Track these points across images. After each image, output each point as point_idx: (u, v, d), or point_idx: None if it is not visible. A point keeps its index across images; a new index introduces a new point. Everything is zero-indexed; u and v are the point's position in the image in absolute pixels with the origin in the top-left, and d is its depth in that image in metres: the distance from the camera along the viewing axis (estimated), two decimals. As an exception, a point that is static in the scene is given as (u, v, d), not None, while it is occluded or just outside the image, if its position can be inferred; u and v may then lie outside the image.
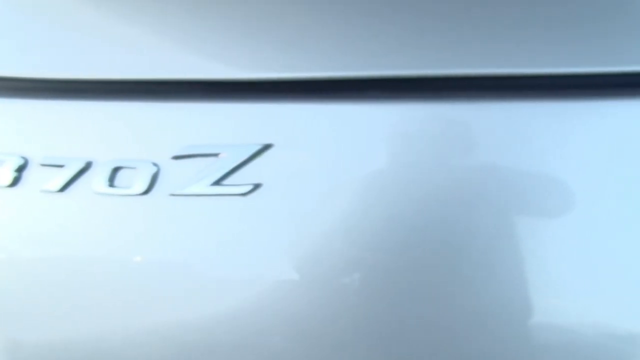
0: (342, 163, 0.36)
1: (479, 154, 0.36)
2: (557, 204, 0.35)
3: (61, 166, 0.39)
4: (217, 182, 0.37)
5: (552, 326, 0.34)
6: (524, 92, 0.36)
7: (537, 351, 0.35)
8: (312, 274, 0.36)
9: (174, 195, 0.37)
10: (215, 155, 0.37)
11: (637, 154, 0.35)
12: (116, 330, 0.38)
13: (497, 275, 0.35)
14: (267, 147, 0.37)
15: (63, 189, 0.39)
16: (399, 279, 0.35)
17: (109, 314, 0.38)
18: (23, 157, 0.39)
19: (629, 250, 0.34)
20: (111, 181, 0.38)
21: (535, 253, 0.34)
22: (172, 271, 0.37)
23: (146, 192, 0.38)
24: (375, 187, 0.36)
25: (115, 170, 0.38)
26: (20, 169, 0.39)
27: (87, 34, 0.41)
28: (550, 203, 0.35)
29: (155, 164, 0.38)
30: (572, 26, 0.35)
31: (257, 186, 0.36)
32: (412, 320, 0.35)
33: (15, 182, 0.39)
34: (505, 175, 0.35)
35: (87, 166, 0.39)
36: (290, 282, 0.36)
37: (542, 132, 0.35)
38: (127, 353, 0.38)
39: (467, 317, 0.35)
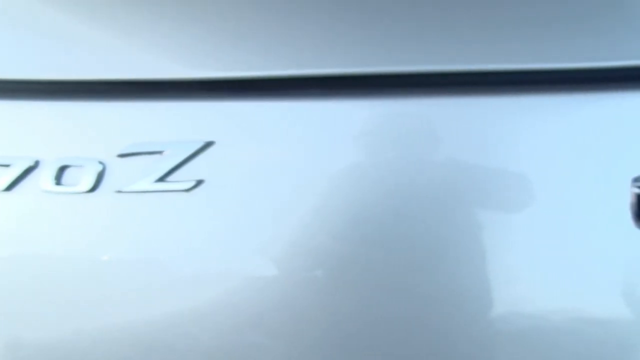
0: (284, 159, 0.39)
1: (440, 149, 0.38)
2: (521, 198, 0.37)
3: (7, 166, 0.40)
4: (161, 179, 0.39)
5: (514, 314, 0.37)
6: (489, 87, 0.38)
7: (501, 338, 0.38)
8: (255, 267, 0.38)
9: (120, 192, 0.39)
10: (160, 152, 0.39)
11: (599, 148, 0.37)
12: (62, 327, 0.40)
13: (462, 267, 0.37)
14: (209, 144, 0.39)
15: (9, 188, 0.40)
16: (342, 272, 0.38)
17: (58, 312, 0.40)
18: None
19: (592, 242, 0.37)
20: (58, 179, 0.40)
21: (499, 245, 0.37)
22: (120, 267, 0.39)
23: (92, 189, 0.39)
24: (318, 182, 0.38)
25: (62, 168, 0.40)
26: None
27: (29, 35, 0.42)
28: (515, 197, 0.37)
29: (101, 162, 0.39)
30: (530, 25, 0.38)
31: (199, 182, 0.38)
32: (376, 314, 0.38)
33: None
34: (470, 171, 0.38)
35: (35, 165, 0.40)
36: (234, 276, 0.38)
37: (504, 127, 0.38)
38: (76, 352, 0.40)
39: (434, 307, 0.37)
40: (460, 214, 0.37)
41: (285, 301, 0.38)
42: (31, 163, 0.40)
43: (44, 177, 0.40)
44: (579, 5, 0.39)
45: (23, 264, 0.40)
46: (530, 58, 0.38)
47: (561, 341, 0.37)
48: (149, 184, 0.39)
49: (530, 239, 0.37)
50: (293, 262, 0.38)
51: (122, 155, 0.39)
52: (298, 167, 0.39)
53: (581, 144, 0.37)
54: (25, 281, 0.40)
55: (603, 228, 0.37)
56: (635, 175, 0.35)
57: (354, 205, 0.38)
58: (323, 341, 0.38)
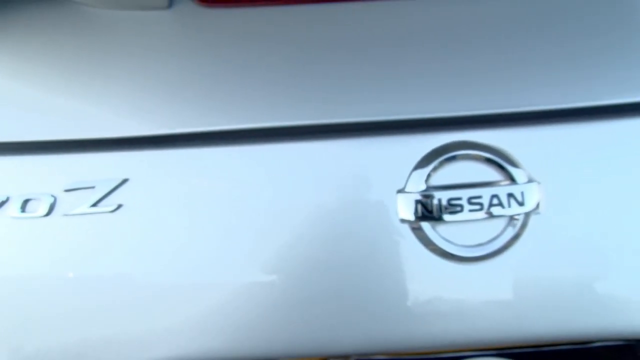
0: (177, 192, 0.59)
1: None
2: None
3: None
4: (94, 204, 0.58)
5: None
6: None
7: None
8: (167, 274, 0.58)
9: (66, 215, 0.58)
10: (93, 187, 0.59)
11: None
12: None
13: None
14: (125, 180, 0.59)
15: (-10, 215, 0.59)
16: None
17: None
18: None
19: None
20: (23, 208, 0.59)
21: None
22: (66, 274, 0.58)
23: (47, 214, 0.59)
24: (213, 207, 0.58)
25: (26, 201, 0.59)
26: None
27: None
28: None
29: (53, 195, 0.59)
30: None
31: (120, 206, 0.58)
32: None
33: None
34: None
35: (7, 199, 0.59)
36: (148, 280, 0.58)
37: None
38: None
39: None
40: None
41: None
42: (3, 198, 0.59)
43: (13, 207, 0.59)
44: None
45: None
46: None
47: None
48: (85, 208, 0.58)
49: None
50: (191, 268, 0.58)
51: (67, 190, 0.59)
52: (196, 197, 0.59)
53: None
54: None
55: None
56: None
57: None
58: None
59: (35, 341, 0.59)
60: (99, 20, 0.67)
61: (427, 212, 0.56)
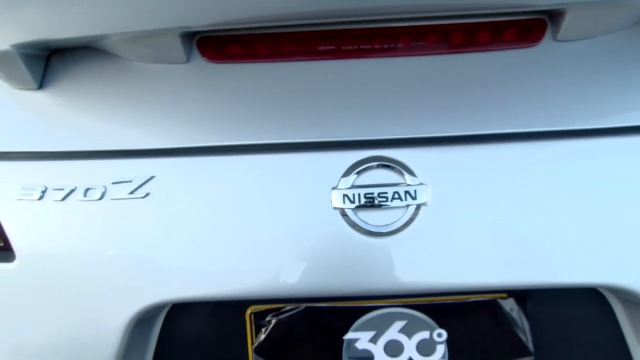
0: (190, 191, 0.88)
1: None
2: None
3: (61, 189, 0.89)
4: (131, 192, 0.88)
5: None
6: None
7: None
8: (179, 237, 0.86)
9: (112, 199, 0.88)
10: (130, 181, 0.88)
11: None
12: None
13: None
14: (152, 177, 0.88)
15: (64, 199, 0.89)
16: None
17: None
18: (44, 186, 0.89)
19: None
20: (85, 194, 0.88)
21: None
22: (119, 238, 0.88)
23: (100, 198, 0.88)
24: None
25: (87, 189, 0.89)
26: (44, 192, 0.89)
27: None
28: None
29: (104, 186, 0.88)
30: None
31: (148, 194, 0.87)
32: None
33: (40, 198, 0.89)
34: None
35: (75, 189, 0.89)
36: (166, 240, 0.87)
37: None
38: None
39: None
40: None
41: None
42: (73, 187, 0.89)
43: (79, 193, 0.89)
44: None
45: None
46: None
47: None
48: (125, 194, 0.88)
49: None
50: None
51: (114, 183, 0.88)
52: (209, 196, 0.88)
53: None
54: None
55: None
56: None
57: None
58: None
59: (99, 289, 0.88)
60: (135, 69, 0.97)
61: (351, 202, 0.84)
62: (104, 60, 0.98)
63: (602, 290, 0.88)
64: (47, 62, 0.99)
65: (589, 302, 0.89)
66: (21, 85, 0.97)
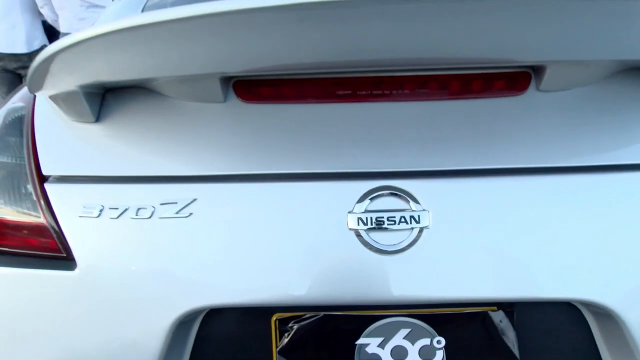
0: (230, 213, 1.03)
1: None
2: None
3: (116, 208, 1.04)
4: (177, 212, 1.03)
5: None
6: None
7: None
8: (218, 249, 1.01)
9: (160, 218, 1.03)
10: (176, 202, 1.03)
11: None
12: None
13: None
14: (194, 199, 1.03)
15: (119, 217, 1.04)
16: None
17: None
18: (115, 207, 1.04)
19: None
20: (136, 213, 1.04)
21: None
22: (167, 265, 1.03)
23: (150, 217, 1.03)
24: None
25: (138, 209, 1.04)
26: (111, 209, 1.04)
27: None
28: None
29: (153, 206, 1.04)
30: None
31: (191, 214, 1.02)
32: None
33: (98, 215, 1.04)
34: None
35: (128, 208, 1.04)
36: (206, 253, 1.02)
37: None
38: None
39: None
40: None
41: None
42: (126, 207, 1.04)
43: (131, 212, 1.04)
44: None
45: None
46: None
47: None
48: (172, 214, 1.03)
49: None
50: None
51: (162, 204, 1.04)
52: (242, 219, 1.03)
53: None
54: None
55: None
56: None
57: None
58: None
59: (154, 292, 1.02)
60: (179, 106, 1.13)
61: (364, 224, 0.99)
62: (152, 98, 1.14)
63: (576, 304, 1.02)
64: (102, 99, 1.15)
65: (567, 315, 1.03)
66: (81, 118, 1.13)
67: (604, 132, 1.03)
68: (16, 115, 1.21)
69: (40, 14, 4.47)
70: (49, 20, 4.51)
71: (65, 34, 4.22)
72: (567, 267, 0.97)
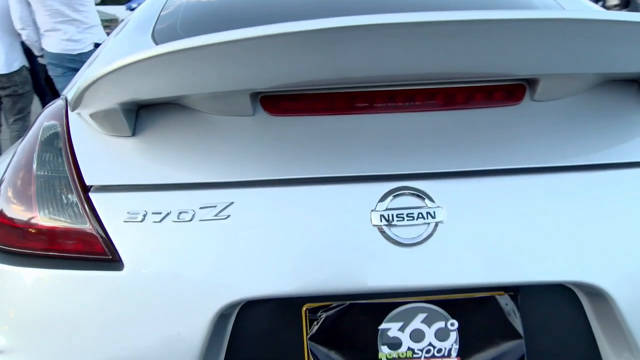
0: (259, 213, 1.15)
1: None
2: None
3: (159, 213, 1.15)
4: (216, 215, 1.14)
5: None
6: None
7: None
8: (252, 246, 1.13)
9: (201, 220, 1.14)
10: (215, 206, 1.14)
11: None
12: None
13: None
14: (231, 202, 1.14)
15: (161, 220, 1.14)
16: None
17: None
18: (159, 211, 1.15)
19: None
20: (178, 217, 1.14)
21: None
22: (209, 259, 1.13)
23: (190, 220, 1.14)
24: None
25: (180, 213, 1.14)
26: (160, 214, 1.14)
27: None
28: None
29: (193, 210, 1.14)
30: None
31: (229, 215, 1.13)
32: None
33: (142, 220, 1.14)
34: None
35: (170, 212, 1.14)
36: (242, 249, 1.13)
37: None
38: None
39: None
40: None
41: None
42: (169, 211, 1.15)
43: (173, 216, 1.14)
44: None
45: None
46: None
47: None
48: (211, 216, 1.14)
49: None
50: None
51: (201, 208, 1.15)
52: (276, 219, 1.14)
53: None
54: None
55: None
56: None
57: None
58: None
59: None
60: (210, 120, 1.24)
61: (386, 221, 1.12)
62: (184, 113, 1.26)
63: (571, 287, 1.16)
64: (137, 114, 1.26)
65: (563, 297, 1.17)
66: (118, 133, 1.24)
67: (591, 135, 1.19)
68: (52, 132, 1.30)
69: (19, 35, 4.53)
70: (28, 43, 4.58)
71: (58, 54, 4.35)
72: (562, 253, 1.12)
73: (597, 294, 1.13)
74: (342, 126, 1.21)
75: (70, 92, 1.47)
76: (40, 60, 4.88)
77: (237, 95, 1.19)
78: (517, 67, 1.16)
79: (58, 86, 4.52)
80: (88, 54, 4.33)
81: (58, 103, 1.43)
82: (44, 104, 5.60)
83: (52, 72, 4.52)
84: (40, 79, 5.38)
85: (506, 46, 1.05)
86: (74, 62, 4.31)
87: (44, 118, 1.38)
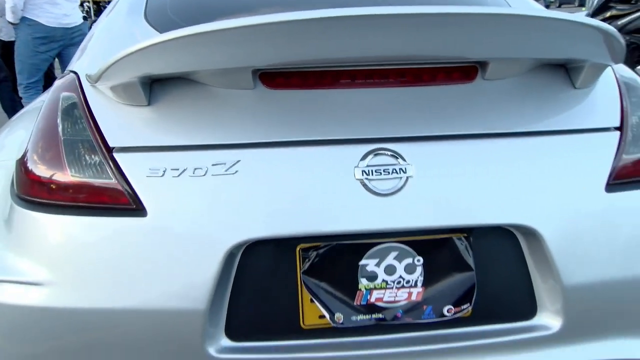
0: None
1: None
2: None
3: (177, 169, 1.36)
4: (226, 170, 1.36)
5: None
6: None
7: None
8: (256, 192, 1.36)
9: (213, 175, 1.36)
10: (224, 163, 1.37)
11: None
12: None
13: None
14: (238, 160, 1.38)
15: (179, 175, 1.36)
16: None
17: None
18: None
19: None
20: (193, 172, 1.36)
21: None
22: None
23: (204, 175, 1.36)
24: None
25: (195, 169, 1.36)
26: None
27: None
28: None
29: (206, 167, 1.37)
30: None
31: (236, 171, 1.36)
32: None
33: (162, 175, 1.36)
34: None
35: (186, 168, 1.36)
36: (248, 195, 1.36)
37: None
38: None
39: None
40: None
41: None
42: (185, 168, 1.37)
43: (189, 171, 1.36)
44: None
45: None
46: None
47: None
48: (222, 172, 1.36)
49: None
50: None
51: (213, 164, 1.37)
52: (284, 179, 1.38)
53: None
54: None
55: None
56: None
57: None
58: None
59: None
60: (215, 92, 1.47)
61: (367, 175, 1.38)
62: (192, 86, 1.47)
63: (510, 229, 1.45)
64: (150, 87, 1.47)
65: (505, 237, 1.46)
66: (135, 102, 1.44)
67: (528, 108, 1.48)
68: (71, 102, 1.50)
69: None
70: (12, 10, 4.76)
71: (55, 28, 4.66)
72: (504, 202, 1.41)
73: (530, 234, 1.43)
74: (329, 99, 1.46)
75: (78, 67, 1.66)
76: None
77: (240, 71, 1.42)
78: (471, 52, 1.44)
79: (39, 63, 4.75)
80: (79, 27, 4.61)
81: (69, 76, 1.62)
82: (0, 80, 5.59)
83: (30, 45, 4.73)
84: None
85: (462, 35, 1.33)
86: (62, 37, 4.62)
87: (59, 90, 1.57)
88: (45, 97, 1.68)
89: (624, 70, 1.71)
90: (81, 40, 5.57)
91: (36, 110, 1.69)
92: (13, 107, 5.66)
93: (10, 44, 5.18)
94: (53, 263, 1.37)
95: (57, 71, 5.65)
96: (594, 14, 6.34)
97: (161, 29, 1.69)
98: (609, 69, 1.61)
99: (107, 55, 1.37)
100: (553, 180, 1.44)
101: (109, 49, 1.59)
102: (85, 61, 1.71)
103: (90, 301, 1.35)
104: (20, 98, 5.35)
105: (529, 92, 1.52)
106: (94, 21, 4.01)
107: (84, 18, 4.97)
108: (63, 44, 4.78)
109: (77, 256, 1.36)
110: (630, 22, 6.18)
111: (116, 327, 1.36)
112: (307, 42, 1.32)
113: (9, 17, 4.76)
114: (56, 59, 5.31)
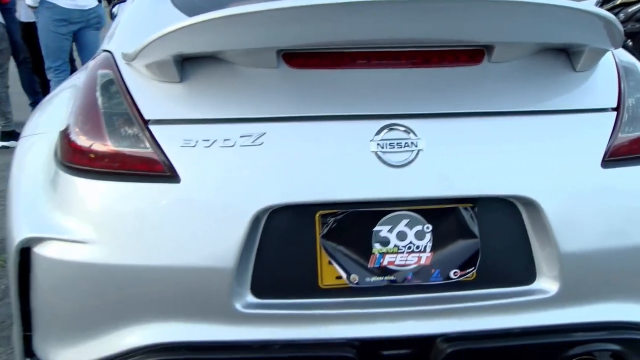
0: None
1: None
2: None
3: (208, 140, 1.50)
4: (253, 141, 1.49)
5: None
6: None
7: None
8: (280, 162, 1.49)
9: (242, 146, 1.49)
10: (251, 135, 1.50)
11: None
12: None
13: None
14: (264, 133, 1.50)
15: (210, 146, 1.49)
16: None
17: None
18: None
19: None
20: (223, 143, 1.49)
21: None
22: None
23: (233, 146, 1.49)
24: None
25: (225, 139, 1.49)
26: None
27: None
28: None
29: (234, 139, 1.50)
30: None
31: (262, 142, 1.49)
32: None
33: (194, 145, 1.49)
34: None
35: (216, 139, 1.49)
36: (273, 163, 1.49)
37: None
38: None
39: None
40: None
41: None
42: (216, 139, 1.50)
43: (219, 143, 1.50)
44: None
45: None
46: None
47: None
48: (249, 143, 1.49)
49: None
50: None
51: (241, 136, 1.50)
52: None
53: None
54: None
55: None
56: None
57: None
58: None
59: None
60: (242, 71, 1.59)
61: (381, 148, 1.50)
62: (221, 65, 1.60)
63: (512, 200, 1.58)
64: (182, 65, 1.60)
65: (507, 207, 1.58)
66: (168, 79, 1.57)
67: (531, 89, 1.60)
68: (108, 78, 1.63)
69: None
70: None
71: (69, 10, 4.94)
72: (507, 174, 1.53)
73: (530, 205, 1.55)
74: (346, 78, 1.59)
75: (112, 47, 1.79)
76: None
77: (265, 51, 1.54)
78: (478, 36, 1.56)
79: (53, 43, 4.95)
80: (94, 9, 4.84)
81: (105, 55, 1.75)
82: (20, 62, 5.74)
83: (51, 28, 4.96)
84: (15, 36, 5.53)
85: (471, 21, 1.45)
86: (80, 18, 4.83)
87: (96, 67, 1.70)
88: (81, 75, 1.81)
89: (624, 55, 1.82)
90: (97, 22, 5.85)
91: (72, 87, 1.83)
92: (32, 87, 5.81)
93: (30, 26, 5.32)
94: (94, 224, 1.51)
95: (74, 54, 5.79)
96: (604, 1, 6.39)
97: (187, 12, 1.81)
98: (609, 53, 1.72)
99: (140, 37, 1.50)
100: (553, 155, 1.56)
101: (141, 31, 1.71)
102: (118, 41, 1.84)
103: (129, 258, 1.49)
104: (41, 79, 5.50)
105: (532, 75, 1.63)
106: (111, 3, 4.16)
107: (98, 0, 5.12)
108: (80, 26, 4.95)
109: (116, 218, 1.50)
110: (640, 10, 6.24)
111: (152, 283, 1.50)
112: (327, 25, 1.45)
113: (29, 1, 4.90)
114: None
